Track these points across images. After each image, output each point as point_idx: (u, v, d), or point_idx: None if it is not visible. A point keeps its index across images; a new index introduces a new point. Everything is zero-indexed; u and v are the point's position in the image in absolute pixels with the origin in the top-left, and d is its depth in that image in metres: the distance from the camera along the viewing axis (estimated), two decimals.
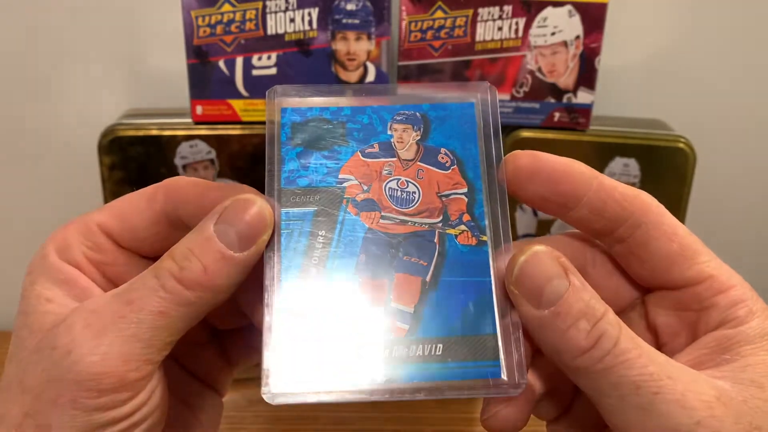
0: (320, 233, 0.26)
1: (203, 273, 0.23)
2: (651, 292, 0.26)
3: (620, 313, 0.26)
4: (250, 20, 0.46)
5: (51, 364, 0.23)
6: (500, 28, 0.47)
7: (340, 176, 0.27)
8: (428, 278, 0.25)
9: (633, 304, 0.27)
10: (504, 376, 0.24)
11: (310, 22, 0.46)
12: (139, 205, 0.26)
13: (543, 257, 0.23)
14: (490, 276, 0.25)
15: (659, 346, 0.26)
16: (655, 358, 0.22)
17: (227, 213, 0.24)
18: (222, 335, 0.31)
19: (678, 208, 0.50)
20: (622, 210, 0.25)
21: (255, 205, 0.24)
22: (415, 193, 0.27)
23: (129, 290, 0.24)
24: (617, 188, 0.25)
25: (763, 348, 0.23)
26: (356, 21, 0.46)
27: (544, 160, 0.25)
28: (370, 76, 0.47)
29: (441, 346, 0.24)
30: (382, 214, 0.26)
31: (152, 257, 0.27)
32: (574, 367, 0.22)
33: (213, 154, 0.48)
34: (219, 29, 0.46)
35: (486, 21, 0.47)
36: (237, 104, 0.48)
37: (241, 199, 0.24)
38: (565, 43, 0.47)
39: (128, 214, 0.26)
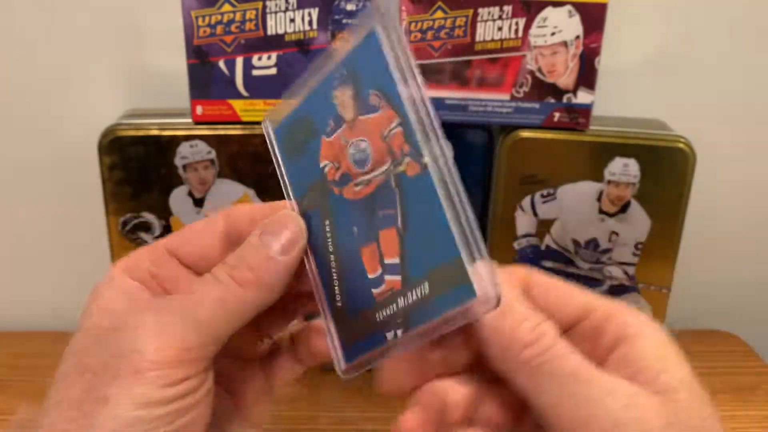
0: (326, 224, 0.28)
1: (251, 271, 0.27)
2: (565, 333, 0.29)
3: None
4: (250, 20, 0.46)
5: (114, 343, 0.25)
6: (500, 28, 0.47)
7: (321, 165, 0.28)
8: (399, 224, 0.26)
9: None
10: (479, 293, 0.23)
11: (310, 23, 0.46)
12: (203, 230, 0.30)
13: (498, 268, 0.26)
14: (438, 197, 0.24)
15: None
16: (588, 361, 0.25)
17: (269, 226, 0.28)
18: (267, 359, 0.33)
19: (678, 208, 0.50)
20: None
21: (292, 218, 0.29)
22: (366, 148, 0.27)
23: (190, 288, 0.27)
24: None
25: (663, 355, 0.25)
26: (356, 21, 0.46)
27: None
28: None
29: (426, 284, 0.25)
30: (354, 181, 0.27)
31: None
32: (520, 361, 0.25)
33: (213, 154, 0.48)
34: (219, 29, 0.46)
35: (486, 21, 0.47)
36: (237, 104, 0.48)
37: (282, 215, 0.29)
38: (565, 43, 0.47)
39: (192, 237, 0.30)
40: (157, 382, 0.24)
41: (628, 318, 0.27)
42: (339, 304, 0.28)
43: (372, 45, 0.26)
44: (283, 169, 0.30)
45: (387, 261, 0.26)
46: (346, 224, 0.28)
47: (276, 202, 0.30)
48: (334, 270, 0.28)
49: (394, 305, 0.26)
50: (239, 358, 0.32)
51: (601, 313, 0.27)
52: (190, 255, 0.30)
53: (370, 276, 0.27)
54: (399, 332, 0.26)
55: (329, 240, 0.28)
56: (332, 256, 0.28)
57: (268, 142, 0.31)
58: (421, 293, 0.25)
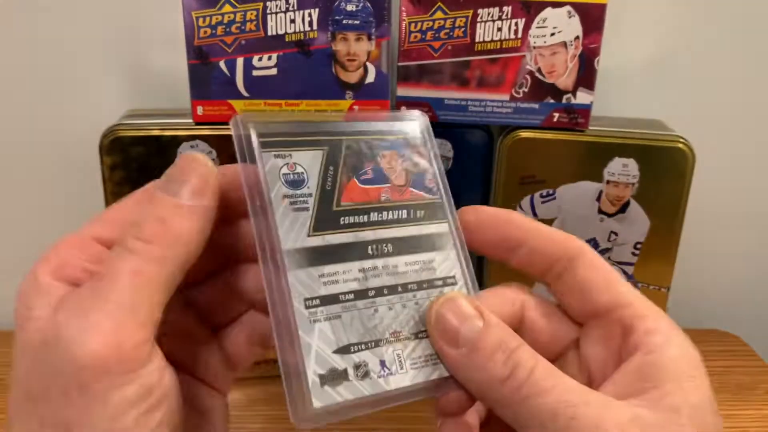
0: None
1: (162, 224, 0.24)
2: (584, 327, 0.28)
3: (559, 355, 0.29)
4: (251, 21, 0.46)
5: (47, 362, 0.22)
6: (500, 29, 0.47)
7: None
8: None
9: (569, 346, 0.29)
10: None
11: (311, 23, 0.46)
12: (133, 210, 0.26)
13: (457, 301, 0.26)
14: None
15: (590, 381, 0.27)
16: (572, 387, 0.24)
17: (171, 172, 0.25)
18: (221, 336, 0.31)
19: (677, 208, 0.50)
20: (556, 248, 0.28)
21: (197, 159, 0.26)
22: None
23: (97, 271, 0.24)
24: (551, 229, 0.29)
25: (683, 374, 0.24)
26: (356, 22, 0.46)
27: (486, 212, 0.29)
28: (370, 77, 0.47)
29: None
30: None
31: None
32: (498, 398, 0.24)
33: (214, 154, 0.48)
34: (219, 30, 0.46)
35: (485, 22, 0.47)
36: (238, 104, 0.48)
37: (183, 157, 0.26)
38: (564, 44, 0.47)
39: (123, 221, 0.26)
40: (111, 387, 0.22)
41: (659, 324, 0.26)
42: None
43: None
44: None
45: None
46: None
47: (224, 166, 0.28)
48: None
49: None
50: (193, 341, 0.30)
51: (635, 310, 0.26)
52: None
53: None
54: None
55: None
56: None
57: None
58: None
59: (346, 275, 0.27)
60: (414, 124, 0.31)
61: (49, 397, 0.22)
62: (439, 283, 0.28)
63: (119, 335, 0.22)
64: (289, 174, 0.28)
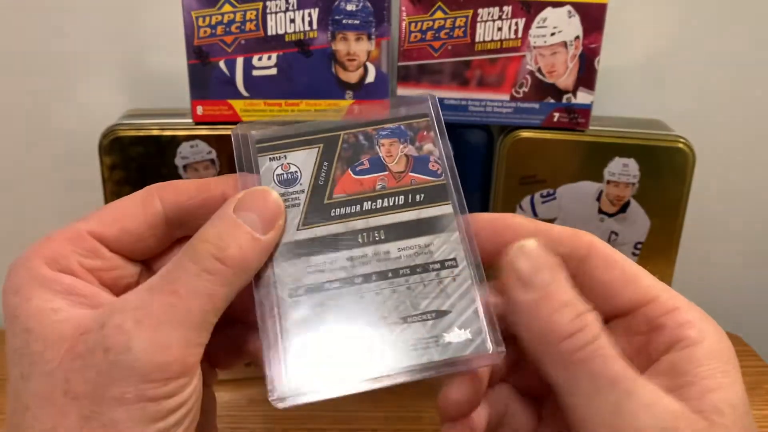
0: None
1: (240, 252, 0.25)
2: (606, 324, 0.27)
3: None
4: (251, 21, 0.46)
5: (108, 365, 0.23)
6: (500, 29, 0.47)
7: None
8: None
9: None
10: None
11: (311, 23, 0.46)
12: (134, 210, 0.27)
13: (539, 248, 0.25)
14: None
15: None
16: (629, 366, 0.23)
17: (246, 201, 0.26)
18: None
19: (677, 208, 0.50)
20: (563, 249, 0.26)
21: (271, 193, 0.27)
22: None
23: (169, 281, 0.24)
24: (554, 228, 0.27)
25: (718, 370, 0.23)
26: (356, 21, 0.46)
27: (481, 220, 0.28)
28: (370, 77, 0.47)
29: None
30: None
31: (144, 260, 0.28)
32: (557, 353, 0.23)
33: (213, 154, 0.48)
34: (219, 30, 0.46)
35: (486, 21, 0.47)
36: (237, 104, 0.48)
37: (258, 190, 0.27)
38: (564, 44, 0.47)
39: (122, 220, 0.27)
40: (168, 395, 0.23)
41: (691, 317, 0.25)
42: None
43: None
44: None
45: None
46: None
47: (226, 175, 0.29)
48: None
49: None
50: None
51: (662, 305, 0.25)
52: (121, 241, 0.27)
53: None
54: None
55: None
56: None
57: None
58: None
59: (333, 264, 0.28)
60: (420, 106, 0.31)
61: (101, 399, 0.23)
62: (437, 266, 0.28)
63: (186, 353, 0.24)
64: (283, 174, 0.29)
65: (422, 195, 0.29)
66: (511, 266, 0.25)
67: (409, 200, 0.29)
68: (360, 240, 0.28)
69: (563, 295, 0.24)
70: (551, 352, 0.23)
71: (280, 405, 0.26)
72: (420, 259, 0.28)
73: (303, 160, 0.29)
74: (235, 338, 0.30)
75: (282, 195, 0.28)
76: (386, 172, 0.29)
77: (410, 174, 0.29)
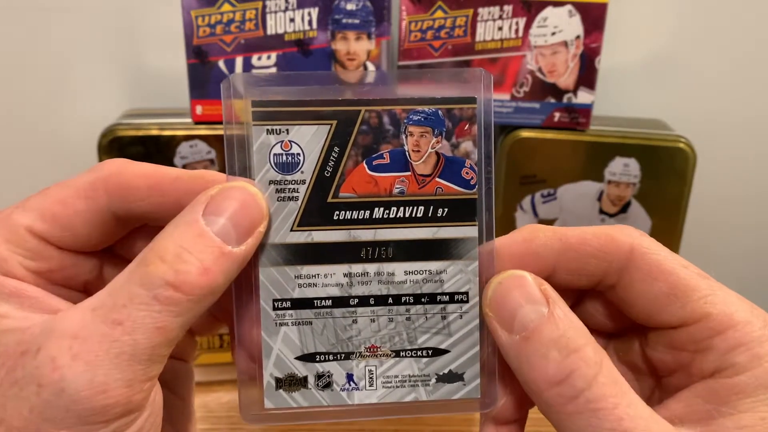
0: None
1: (204, 274, 0.20)
2: (649, 333, 0.25)
3: (621, 335, 0.25)
4: (250, 20, 0.46)
5: (42, 403, 0.20)
6: (500, 28, 0.47)
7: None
8: None
9: (635, 326, 0.25)
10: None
11: (310, 22, 0.46)
12: (76, 204, 0.23)
13: (524, 279, 0.22)
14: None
15: (658, 377, 0.25)
16: (634, 411, 0.20)
17: (218, 201, 0.21)
18: None
19: (678, 208, 0.50)
20: (598, 260, 0.23)
21: (252, 192, 0.22)
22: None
23: (113, 307, 0.20)
24: (585, 239, 0.23)
25: (763, 402, 0.20)
26: (356, 21, 0.46)
27: (507, 248, 0.24)
28: (370, 77, 0.47)
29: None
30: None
31: (98, 251, 0.25)
32: (543, 402, 0.21)
33: (213, 154, 0.48)
34: (219, 29, 0.46)
35: (486, 21, 0.47)
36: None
37: (236, 186, 0.22)
38: (565, 43, 0.47)
39: (62, 215, 0.23)
40: (104, 429, 0.20)
41: (745, 337, 0.21)
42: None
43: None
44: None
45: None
46: None
47: (200, 170, 0.23)
48: None
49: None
50: None
51: (713, 323, 0.21)
52: (65, 241, 0.23)
53: None
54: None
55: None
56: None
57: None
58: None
59: (327, 279, 0.24)
60: (469, 87, 0.25)
61: (27, 426, 0.20)
62: (445, 298, 0.24)
63: (131, 392, 0.20)
64: (282, 154, 0.23)
65: (446, 209, 0.24)
66: (488, 305, 0.23)
67: (429, 214, 0.24)
68: (363, 254, 0.24)
69: (552, 331, 0.21)
70: (539, 402, 0.21)
71: (251, 424, 0.23)
72: (428, 288, 0.24)
73: (309, 140, 0.23)
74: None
75: (277, 183, 0.23)
76: (408, 173, 0.24)
77: (437, 180, 0.24)
